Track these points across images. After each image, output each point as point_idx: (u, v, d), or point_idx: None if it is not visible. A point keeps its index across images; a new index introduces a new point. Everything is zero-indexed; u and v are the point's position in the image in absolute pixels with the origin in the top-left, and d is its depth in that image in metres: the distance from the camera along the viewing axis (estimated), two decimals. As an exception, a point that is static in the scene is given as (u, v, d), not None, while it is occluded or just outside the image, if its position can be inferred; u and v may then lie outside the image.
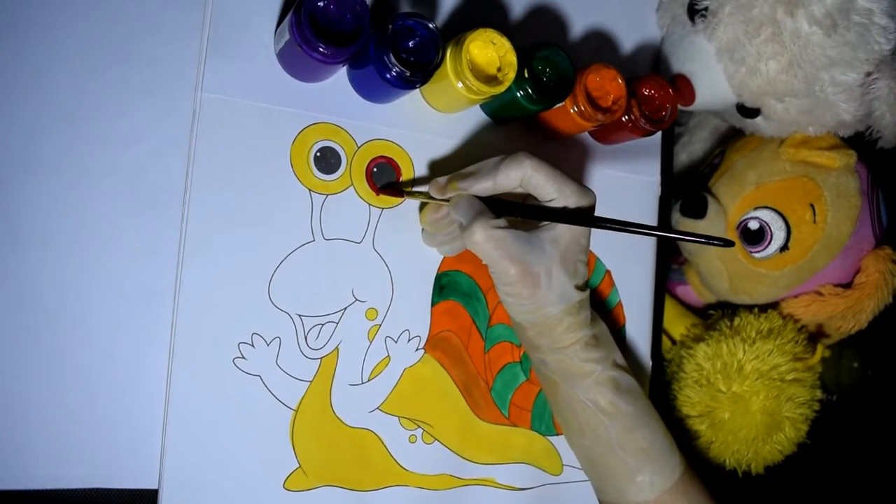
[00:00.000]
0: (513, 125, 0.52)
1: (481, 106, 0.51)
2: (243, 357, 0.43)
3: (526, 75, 0.45)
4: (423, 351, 0.48)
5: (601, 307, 0.55)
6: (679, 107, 0.57)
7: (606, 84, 0.48)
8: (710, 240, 0.41)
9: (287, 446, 0.44)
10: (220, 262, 0.43)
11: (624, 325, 0.56)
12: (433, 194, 0.45)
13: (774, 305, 0.63)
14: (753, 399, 0.58)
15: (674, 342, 0.67)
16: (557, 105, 0.47)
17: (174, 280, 0.42)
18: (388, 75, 0.41)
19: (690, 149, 0.75)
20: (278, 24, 0.45)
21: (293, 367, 0.44)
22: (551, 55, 0.46)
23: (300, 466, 0.44)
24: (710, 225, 0.60)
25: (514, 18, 0.53)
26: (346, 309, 0.46)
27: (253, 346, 0.43)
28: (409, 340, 0.48)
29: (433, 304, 0.49)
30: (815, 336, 0.63)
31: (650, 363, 0.57)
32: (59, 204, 0.41)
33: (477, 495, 0.50)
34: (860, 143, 0.58)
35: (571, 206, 0.43)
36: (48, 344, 0.41)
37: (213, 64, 0.43)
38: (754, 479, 0.63)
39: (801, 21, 0.50)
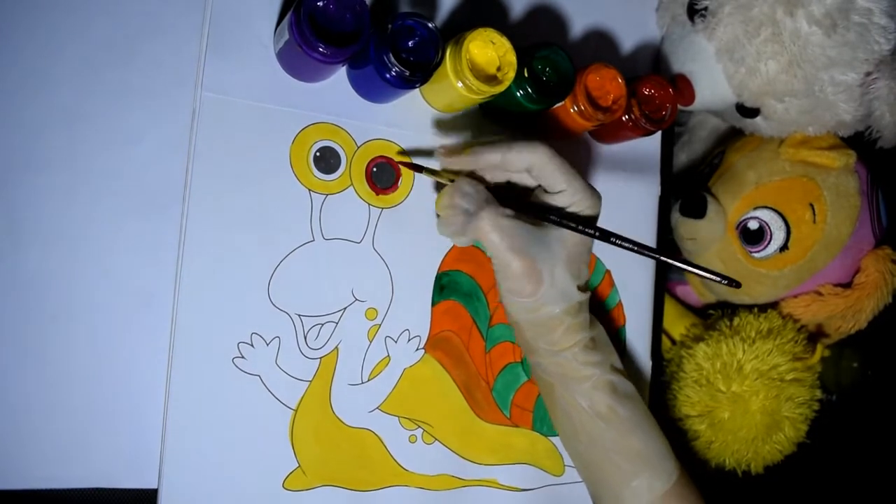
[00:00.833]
0: (513, 125, 0.52)
1: (481, 106, 0.51)
2: (243, 357, 0.43)
3: (526, 75, 0.45)
4: (423, 351, 0.48)
5: (601, 307, 0.55)
6: (679, 107, 0.57)
7: (606, 84, 0.48)
8: (719, 278, 0.41)
9: (287, 446, 0.44)
10: (219, 261, 0.43)
11: (624, 325, 0.56)
12: (440, 158, 0.45)
13: (774, 305, 0.63)
14: (753, 399, 0.58)
15: (674, 342, 0.67)
16: (557, 105, 0.47)
17: (174, 280, 0.42)
18: (388, 75, 0.41)
19: (690, 149, 0.75)
20: (278, 24, 0.45)
21: (293, 366, 0.44)
22: (551, 55, 0.46)
23: (300, 466, 0.44)
24: (709, 225, 0.60)
25: (514, 18, 0.53)
26: (345, 309, 0.46)
27: (252, 345, 0.43)
28: (409, 340, 0.48)
29: (433, 303, 0.49)
30: (814, 336, 0.63)
31: (650, 363, 0.57)
32: (59, 204, 0.41)
33: (478, 496, 0.50)
34: (860, 143, 0.58)
35: (578, 202, 0.43)
36: (48, 344, 0.41)
37: (213, 64, 0.43)
38: (754, 479, 0.63)
39: (800, 21, 0.50)
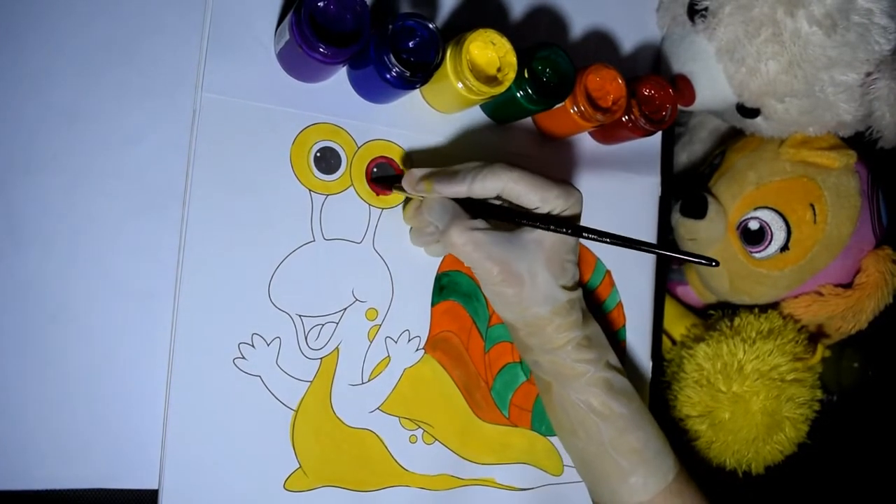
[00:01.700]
0: (513, 125, 0.52)
1: (481, 106, 0.51)
2: (243, 357, 0.43)
3: (526, 76, 0.45)
4: (423, 351, 0.48)
5: (601, 307, 0.55)
6: (679, 107, 0.57)
7: (606, 84, 0.48)
8: (695, 258, 0.40)
9: (287, 446, 0.44)
10: (220, 262, 0.43)
11: (624, 326, 0.56)
12: (405, 187, 0.44)
13: (774, 306, 0.63)
14: (754, 399, 0.58)
15: (674, 342, 0.67)
16: (557, 105, 0.47)
17: (174, 280, 0.42)
18: (388, 75, 0.41)
19: (690, 149, 0.75)
20: (278, 24, 0.45)
21: (293, 367, 0.44)
22: (551, 55, 0.46)
23: (300, 467, 0.44)
24: (710, 225, 0.60)
25: (514, 18, 0.53)
26: (346, 309, 0.46)
27: (253, 346, 0.43)
28: (410, 341, 0.48)
29: (433, 304, 0.49)
30: (815, 336, 0.63)
31: (650, 363, 0.57)
32: (59, 204, 0.41)
33: (477, 495, 0.50)
34: (860, 143, 0.58)
35: (557, 209, 0.42)
36: (48, 344, 0.41)
37: (213, 64, 0.43)
38: (754, 479, 0.63)
39: (801, 21, 0.50)
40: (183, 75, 0.43)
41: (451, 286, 0.50)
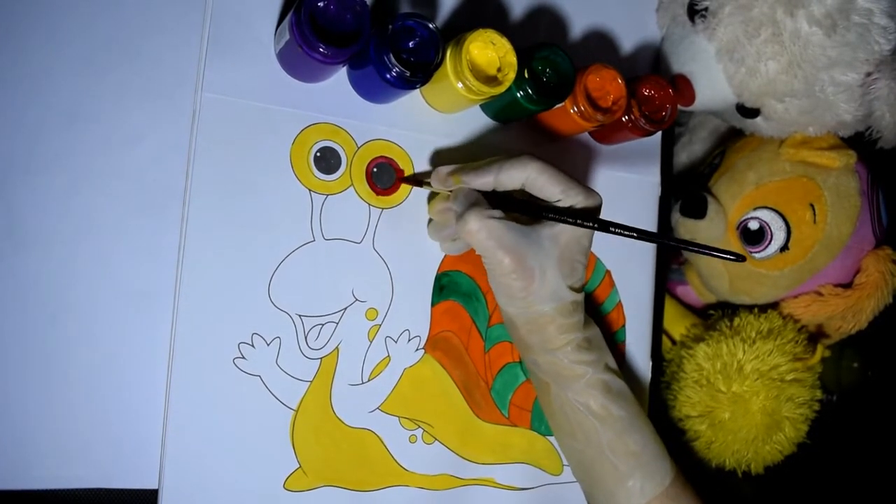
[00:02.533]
0: (513, 125, 0.52)
1: (481, 106, 0.51)
2: (243, 357, 0.43)
3: (526, 76, 0.45)
4: (422, 351, 0.48)
5: (601, 307, 0.55)
6: (679, 107, 0.57)
7: (606, 84, 0.48)
8: (721, 253, 0.41)
9: (287, 446, 0.44)
10: (220, 262, 0.43)
11: (624, 325, 0.56)
12: (433, 183, 0.45)
13: (774, 306, 0.63)
14: (753, 399, 0.58)
15: (674, 342, 0.67)
16: (557, 105, 0.47)
17: (174, 280, 0.42)
18: (388, 76, 0.41)
19: (690, 149, 0.75)
20: (278, 24, 0.45)
21: (293, 367, 0.45)
22: (551, 55, 0.46)
23: (300, 467, 0.44)
24: (710, 225, 0.60)
25: (514, 18, 0.53)
26: (346, 309, 0.46)
27: (253, 346, 0.43)
28: (409, 340, 0.48)
29: (433, 304, 0.49)
30: (815, 336, 0.63)
31: (650, 363, 0.57)
32: (59, 204, 0.41)
33: (477, 495, 0.50)
34: (860, 143, 0.58)
35: (577, 206, 0.43)
36: (48, 344, 0.41)
37: (213, 64, 0.43)
38: (754, 479, 0.63)
39: (801, 21, 0.50)
40: (183, 75, 0.43)
41: (450, 286, 0.50)
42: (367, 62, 0.41)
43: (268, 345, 0.44)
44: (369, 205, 0.47)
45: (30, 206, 0.41)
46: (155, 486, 0.42)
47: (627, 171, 0.56)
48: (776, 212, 0.59)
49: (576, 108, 0.48)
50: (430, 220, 0.48)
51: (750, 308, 0.63)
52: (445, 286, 0.49)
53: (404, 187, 0.48)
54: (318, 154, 0.46)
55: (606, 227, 0.42)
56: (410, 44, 0.41)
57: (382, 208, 0.47)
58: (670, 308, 0.68)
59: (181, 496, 0.41)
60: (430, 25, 0.42)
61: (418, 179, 0.47)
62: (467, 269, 0.50)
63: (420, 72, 0.41)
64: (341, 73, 0.46)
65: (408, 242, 0.48)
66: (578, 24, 0.56)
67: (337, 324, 0.46)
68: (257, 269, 0.44)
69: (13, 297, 0.40)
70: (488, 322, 0.51)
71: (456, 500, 0.49)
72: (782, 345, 0.59)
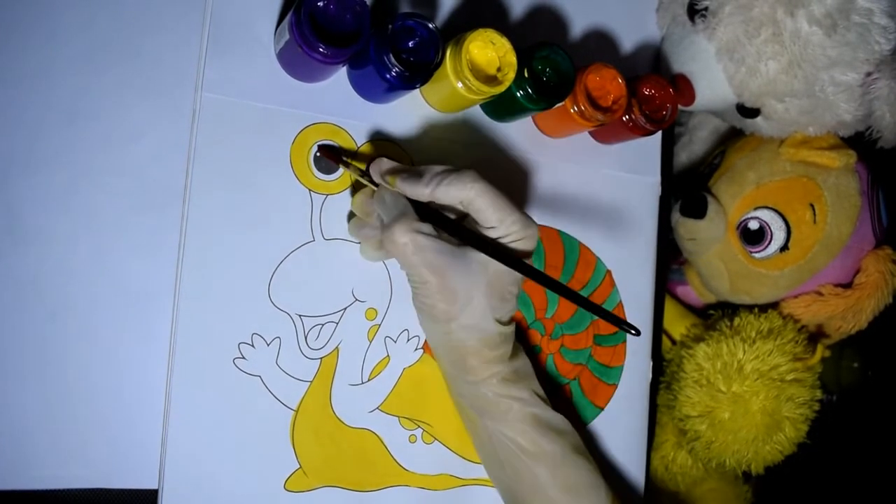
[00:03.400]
0: (513, 125, 0.52)
1: (481, 106, 0.51)
2: (243, 357, 0.43)
3: (526, 75, 0.45)
4: (422, 351, 0.48)
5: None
6: (679, 107, 0.57)
7: (606, 84, 0.48)
8: (620, 324, 0.39)
9: (287, 447, 0.44)
10: (220, 261, 0.43)
11: (624, 325, 0.56)
12: (372, 174, 0.43)
13: (774, 305, 0.63)
14: (753, 399, 0.58)
15: (674, 342, 0.67)
16: (557, 105, 0.47)
17: (174, 280, 0.42)
18: (388, 75, 0.41)
19: (690, 149, 0.75)
20: (278, 24, 0.45)
21: (293, 367, 0.44)
22: (551, 55, 0.46)
23: (301, 467, 0.44)
24: (710, 225, 0.60)
25: (514, 18, 0.53)
26: (345, 309, 0.46)
27: (253, 346, 0.43)
28: (409, 340, 0.48)
29: (433, 304, 0.49)
30: (815, 336, 0.63)
31: (650, 363, 0.57)
32: (59, 203, 0.41)
33: (477, 495, 0.49)
34: (860, 143, 0.58)
35: (511, 236, 0.40)
36: (48, 343, 0.41)
37: (213, 64, 0.43)
38: (755, 480, 0.63)
39: (801, 21, 0.50)
40: (183, 75, 0.43)
41: (451, 286, 0.50)
42: (367, 62, 0.41)
43: (268, 345, 0.44)
44: (369, 205, 0.47)
45: (29, 203, 0.41)
46: (155, 487, 0.42)
47: (627, 171, 0.56)
48: (776, 212, 0.59)
49: (576, 108, 0.48)
50: (351, 215, 0.46)
51: (750, 308, 0.63)
52: (445, 286, 0.49)
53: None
54: (318, 154, 0.46)
55: (526, 271, 0.40)
56: (410, 44, 0.41)
57: (382, 208, 0.47)
58: (670, 308, 0.68)
59: (181, 496, 0.41)
60: (430, 25, 0.42)
61: (341, 156, 0.45)
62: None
63: (420, 72, 0.41)
64: (341, 73, 0.46)
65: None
66: (578, 24, 0.56)
67: (337, 324, 0.46)
68: (257, 269, 0.44)
69: (12, 295, 0.40)
70: (488, 322, 0.51)
71: (456, 500, 0.49)
72: (782, 345, 0.59)
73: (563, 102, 0.47)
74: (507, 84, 0.44)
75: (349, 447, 0.46)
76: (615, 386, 0.55)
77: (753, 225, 0.60)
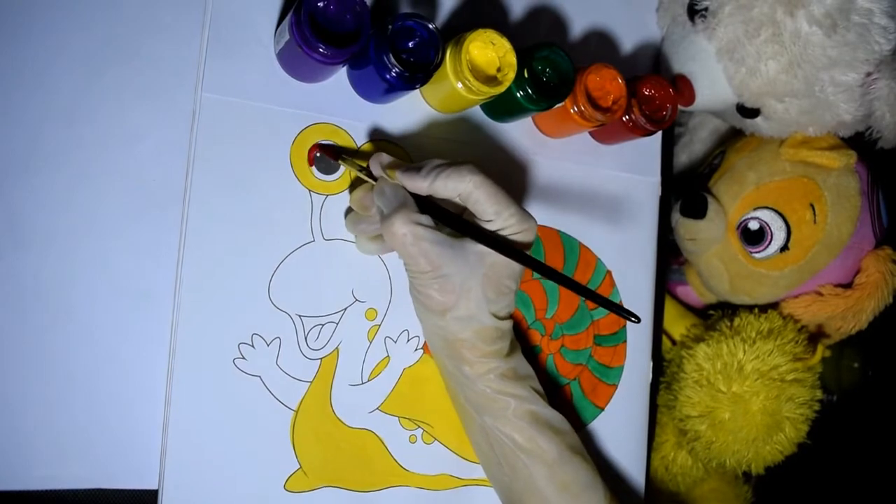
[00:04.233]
0: (513, 125, 0.52)
1: (481, 106, 0.51)
2: (243, 357, 0.43)
3: (526, 75, 0.45)
4: (422, 351, 0.48)
5: (602, 309, 0.55)
6: (679, 107, 0.57)
7: (606, 84, 0.48)
8: (622, 312, 0.39)
9: (287, 447, 0.44)
10: (220, 262, 0.43)
11: (624, 326, 0.56)
12: (371, 168, 0.43)
13: (774, 306, 0.63)
14: (753, 399, 0.58)
15: (674, 342, 0.67)
16: (557, 105, 0.47)
17: (174, 280, 0.42)
18: (388, 76, 0.41)
19: (690, 149, 0.75)
20: (278, 24, 0.45)
21: (293, 367, 0.44)
22: (551, 55, 0.46)
23: (301, 467, 0.44)
24: (710, 225, 0.60)
25: (514, 18, 0.53)
26: (345, 309, 0.46)
27: (253, 346, 0.43)
28: (409, 340, 0.48)
29: (433, 304, 0.49)
30: (815, 336, 0.63)
31: (650, 363, 0.57)
32: (59, 203, 0.41)
33: (477, 495, 0.50)
34: (860, 143, 0.58)
35: (509, 229, 0.41)
36: (48, 344, 0.41)
37: (213, 64, 0.43)
38: (754, 479, 0.63)
39: (801, 21, 0.50)
40: (183, 75, 0.43)
41: (451, 286, 0.50)
42: (367, 62, 0.41)
43: (268, 345, 0.44)
44: (369, 205, 0.47)
45: (29, 205, 0.41)
46: (155, 487, 0.42)
47: (627, 171, 0.56)
48: (776, 212, 0.59)
49: (576, 108, 0.48)
50: (349, 210, 0.46)
51: (750, 308, 0.63)
52: (445, 286, 0.49)
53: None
54: (318, 154, 0.45)
55: (524, 260, 0.40)
56: (410, 44, 0.41)
57: (382, 208, 0.47)
58: (670, 308, 0.68)
59: (181, 497, 0.41)
60: (430, 25, 0.42)
61: (340, 154, 0.45)
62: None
63: (420, 72, 0.41)
64: (341, 73, 0.46)
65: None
66: (578, 24, 0.56)
67: (337, 324, 0.46)
68: (257, 269, 0.44)
69: (13, 296, 0.40)
70: (488, 322, 0.51)
71: (456, 500, 0.49)
72: (782, 345, 0.59)
73: (563, 102, 0.47)
74: (507, 84, 0.44)
75: (349, 447, 0.46)
76: (615, 386, 0.55)
77: (753, 225, 0.60)
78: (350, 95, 0.46)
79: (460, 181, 0.40)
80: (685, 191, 0.62)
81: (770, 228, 0.59)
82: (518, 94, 0.45)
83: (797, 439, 0.60)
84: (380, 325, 0.47)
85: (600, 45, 0.57)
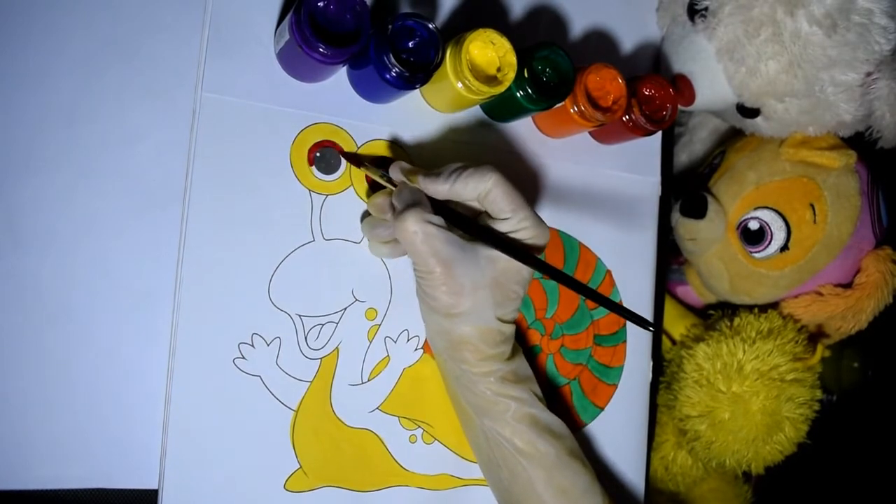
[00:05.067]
0: (513, 125, 0.52)
1: (481, 106, 0.51)
2: (243, 357, 0.43)
3: (526, 75, 0.45)
4: (422, 351, 0.48)
5: (601, 309, 0.55)
6: (679, 107, 0.57)
7: (606, 84, 0.48)
8: (635, 319, 0.39)
9: (287, 447, 0.44)
10: (220, 262, 0.43)
11: (624, 326, 0.56)
12: (392, 174, 0.43)
13: (774, 305, 0.63)
14: (753, 399, 0.58)
15: (674, 342, 0.67)
16: (557, 105, 0.47)
17: (174, 280, 0.42)
18: (388, 75, 0.41)
19: (690, 149, 0.75)
20: (278, 24, 0.45)
21: (293, 367, 0.44)
22: (551, 55, 0.46)
23: (301, 467, 0.44)
24: (709, 225, 0.60)
25: (514, 18, 0.53)
26: (345, 309, 0.46)
27: (253, 346, 0.43)
28: (409, 340, 0.48)
29: (433, 304, 0.49)
30: (815, 336, 0.63)
31: (650, 363, 0.57)
32: (59, 204, 0.41)
33: (477, 495, 0.50)
34: (860, 143, 0.58)
35: (522, 232, 0.41)
36: (48, 344, 0.41)
37: (213, 64, 0.43)
38: (754, 479, 0.63)
39: (801, 21, 0.50)
40: (183, 75, 0.43)
41: (450, 286, 0.50)
42: (367, 62, 0.41)
43: (268, 345, 0.44)
44: (369, 205, 0.47)
45: (29, 205, 0.41)
46: (155, 487, 0.42)
47: (627, 171, 0.56)
48: (776, 212, 0.59)
49: (576, 108, 0.48)
50: (365, 214, 0.46)
51: (750, 308, 0.63)
52: (445, 286, 0.49)
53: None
54: (318, 154, 0.46)
55: (536, 265, 0.40)
56: (410, 44, 0.41)
57: (382, 208, 0.47)
58: (670, 308, 0.68)
59: (181, 496, 0.41)
60: (430, 25, 0.42)
61: (361, 160, 0.45)
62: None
63: (420, 72, 0.41)
64: (341, 73, 0.46)
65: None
66: (578, 24, 0.56)
67: (337, 324, 0.46)
68: (257, 268, 0.44)
69: (13, 296, 0.40)
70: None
71: (456, 500, 0.49)
72: (782, 345, 0.59)
73: (563, 102, 0.47)
74: (507, 84, 0.44)
75: (349, 447, 0.46)
76: (615, 386, 0.55)
77: (753, 225, 0.60)
78: (350, 95, 0.46)
79: (481, 180, 0.40)
80: (685, 191, 0.62)
81: (770, 228, 0.59)
82: (518, 94, 0.45)
83: (797, 439, 0.60)
84: (380, 325, 0.47)
85: (600, 45, 0.57)
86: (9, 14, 0.40)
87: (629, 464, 0.55)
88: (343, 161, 0.46)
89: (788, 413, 0.59)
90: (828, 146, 0.59)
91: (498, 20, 0.53)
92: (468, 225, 0.41)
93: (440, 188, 0.41)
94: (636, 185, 0.57)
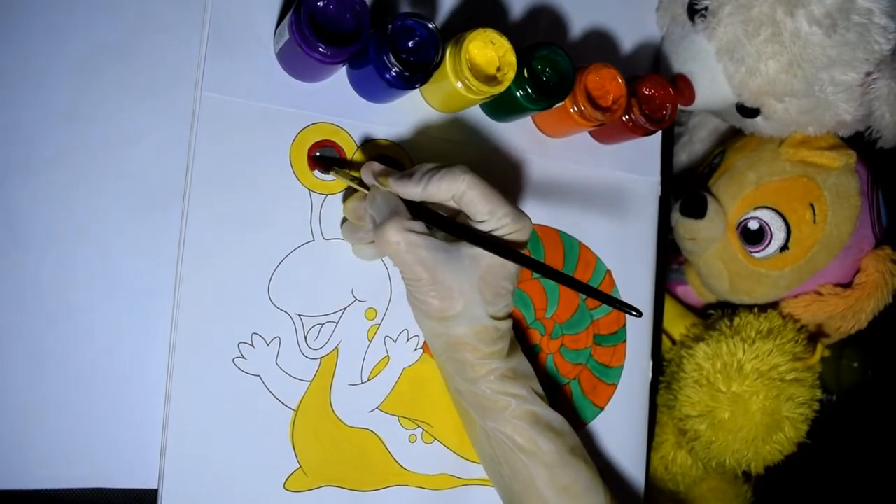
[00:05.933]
0: (513, 125, 0.52)
1: (481, 106, 0.51)
2: (243, 357, 0.43)
3: (526, 75, 0.45)
4: (421, 350, 0.48)
5: (602, 308, 0.55)
6: (679, 107, 0.57)
7: (606, 84, 0.48)
8: (622, 307, 0.39)
9: (287, 446, 0.44)
10: (220, 261, 0.43)
11: (624, 326, 0.56)
12: (364, 178, 0.43)
13: (774, 305, 0.63)
14: (753, 399, 0.58)
15: (674, 342, 0.67)
16: (557, 105, 0.47)
17: (174, 279, 0.42)
18: (388, 75, 0.41)
19: (690, 149, 0.75)
20: (278, 24, 0.45)
21: (293, 366, 0.45)
22: (551, 55, 0.46)
23: (300, 467, 0.44)
24: (709, 225, 0.60)
25: (514, 18, 0.53)
26: (345, 309, 0.46)
27: (253, 345, 0.43)
28: (408, 340, 0.48)
29: (433, 303, 0.49)
30: (814, 336, 0.63)
31: (650, 363, 0.57)
32: (59, 203, 0.41)
33: (477, 495, 0.50)
34: (860, 143, 0.58)
35: (503, 229, 0.41)
36: (48, 343, 0.41)
37: (213, 64, 0.43)
38: (754, 479, 0.63)
39: (800, 21, 0.50)
40: (183, 75, 0.43)
41: (450, 286, 0.50)
42: (367, 62, 0.41)
43: (267, 345, 0.44)
44: (369, 204, 0.47)
45: (29, 205, 0.41)
46: (155, 486, 0.42)
47: (627, 171, 0.56)
48: (776, 211, 0.59)
49: (576, 108, 0.48)
50: (344, 220, 0.46)
51: (750, 308, 0.63)
52: (445, 286, 0.49)
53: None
54: (318, 154, 0.46)
55: (519, 259, 0.40)
56: (410, 43, 0.41)
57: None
58: (670, 308, 0.68)
59: (181, 496, 0.41)
60: (430, 25, 0.42)
61: (332, 164, 0.45)
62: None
63: (419, 72, 0.41)
64: (341, 73, 0.46)
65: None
66: (578, 24, 0.56)
67: (336, 324, 0.46)
68: (257, 268, 0.44)
69: (12, 296, 0.40)
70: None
71: (456, 499, 0.49)
72: (782, 344, 0.59)
73: (562, 102, 0.47)
74: (506, 84, 0.44)
75: (349, 447, 0.46)
76: (615, 386, 0.55)
77: (753, 225, 0.60)
78: (350, 95, 0.46)
79: (453, 182, 0.39)
80: (685, 191, 0.62)
81: (770, 228, 0.59)
82: (518, 94, 0.45)
83: (797, 439, 0.60)
84: (379, 325, 0.47)
85: (600, 45, 0.57)
86: (9, 14, 0.40)
87: (629, 463, 0.55)
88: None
89: (788, 413, 0.59)
90: (828, 146, 0.59)
91: (498, 20, 0.53)
92: (448, 225, 0.41)
93: (412, 191, 0.40)
94: (636, 184, 0.57)
